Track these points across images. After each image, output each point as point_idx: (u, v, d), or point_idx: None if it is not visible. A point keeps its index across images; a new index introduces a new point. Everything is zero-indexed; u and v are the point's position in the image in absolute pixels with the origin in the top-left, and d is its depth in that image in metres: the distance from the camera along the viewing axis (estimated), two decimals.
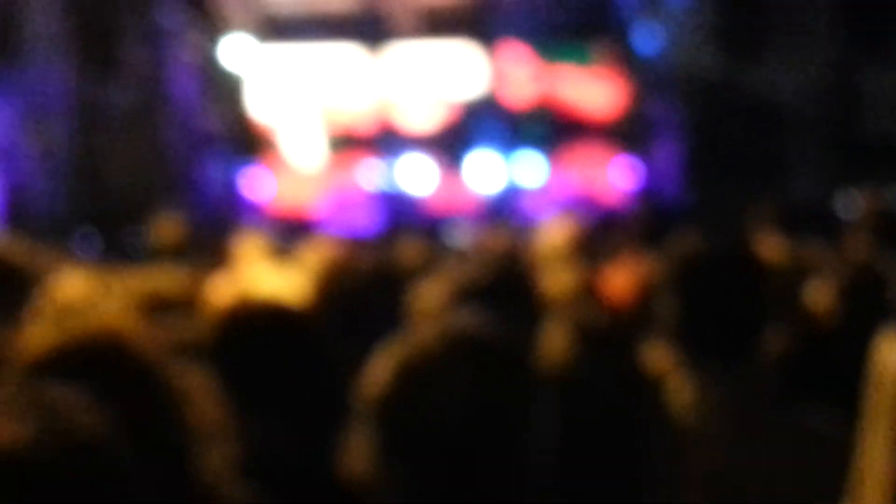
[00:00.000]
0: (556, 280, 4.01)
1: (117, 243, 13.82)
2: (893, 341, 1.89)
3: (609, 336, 2.03)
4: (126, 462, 1.32)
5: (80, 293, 4.32)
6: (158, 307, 2.96)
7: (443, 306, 2.65)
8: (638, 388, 1.93)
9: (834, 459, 2.31)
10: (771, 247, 5.00)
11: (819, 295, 3.85)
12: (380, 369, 1.64)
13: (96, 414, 1.32)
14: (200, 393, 1.83)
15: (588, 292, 4.19)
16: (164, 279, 4.01)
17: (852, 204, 8.93)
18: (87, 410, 1.31)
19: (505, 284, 3.17)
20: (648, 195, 18.10)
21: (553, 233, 4.76)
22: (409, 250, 5.51)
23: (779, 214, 4.88)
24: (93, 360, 1.79)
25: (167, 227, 5.63)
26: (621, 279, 4.35)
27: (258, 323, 2.55)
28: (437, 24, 24.50)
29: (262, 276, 5.79)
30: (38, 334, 1.87)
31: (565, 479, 1.78)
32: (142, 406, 1.72)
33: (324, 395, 2.51)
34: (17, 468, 1.22)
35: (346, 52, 24.42)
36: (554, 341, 1.93)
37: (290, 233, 8.77)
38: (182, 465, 1.72)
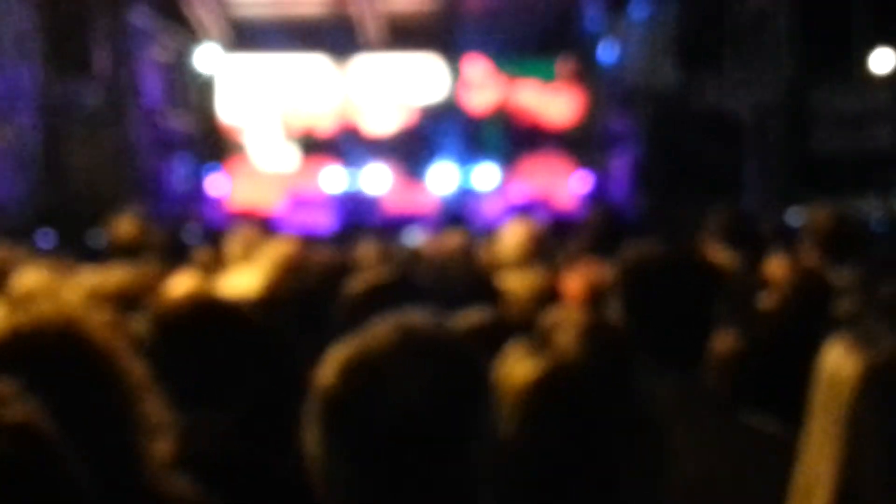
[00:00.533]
0: (515, 281, 3.99)
1: (78, 241, 13.69)
2: (839, 348, 1.87)
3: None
4: (58, 450, 1.29)
5: (37, 285, 4.27)
6: (110, 302, 2.92)
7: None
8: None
9: (780, 462, 2.30)
10: (719, 255, 5.01)
11: (766, 301, 3.85)
12: (328, 365, 1.61)
13: (27, 403, 1.30)
14: (146, 385, 1.80)
15: (547, 294, 4.17)
16: (116, 276, 3.97)
17: (802, 216, 8.98)
18: (17, 399, 1.29)
19: (460, 285, 3.15)
20: (602, 203, 18.13)
21: (511, 235, 4.74)
22: (364, 250, 5.47)
23: (729, 224, 4.88)
24: (46, 345, 1.76)
25: (124, 224, 5.56)
26: (574, 284, 4.33)
27: (200, 319, 2.51)
28: (404, 37, 24.58)
29: (228, 275, 5.76)
30: None
31: (535, 485, 1.74)
32: (92, 392, 1.69)
33: (272, 390, 2.47)
34: None
35: (313, 62, 24.49)
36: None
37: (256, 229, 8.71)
38: (127, 454, 1.68)
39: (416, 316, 1.66)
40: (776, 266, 4.39)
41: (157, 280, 4.89)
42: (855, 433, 1.77)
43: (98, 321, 1.86)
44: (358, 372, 1.56)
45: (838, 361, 1.83)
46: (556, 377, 1.74)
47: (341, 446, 1.55)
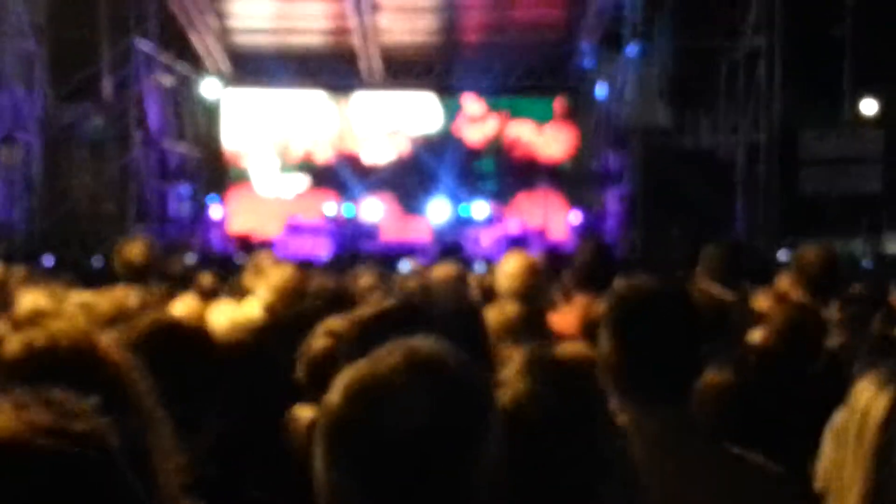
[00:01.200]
0: (504, 312, 3.99)
1: (79, 264, 13.67)
2: (869, 385, 1.97)
3: (566, 371, 1.99)
4: (124, 465, 1.32)
5: (39, 307, 4.27)
6: (114, 323, 2.93)
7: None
8: (594, 423, 1.90)
9: (767, 494, 2.31)
10: (709, 290, 5.03)
11: (757, 336, 3.87)
12: (335, 387, 1.61)
13: (98, 417, 1.33)
14: (158, 405, 1.80)
15: (537, 327, 4.17)
16: (122, 298, 3.97)
17: (792, 254, 9.02)
18: (89, 412, 1.32)
19: (451, 313, 3.15)
20: (593, 238, 18.12)
21: (507, 267, 4.74)
22: (361, 276, 5.49)
23: (720, 261, 4.89)
24: (61, 360, 1.76)
25: (133, 248, 5.55)
26: (565, 317, 4.34)
27: (163, 344, 2.53)
28: (401, 73, 24.73)
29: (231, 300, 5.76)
30: (6, 341, 1.85)
31: None
32: (107, 409, 1.69)
33: (244, 415, 2.48)
34: (21, 457, 1.23)
35: (312, 98, 24.70)
36: (509, 375, 1.89)
37: (249, 255, 8.74)
38: (142, 475, 1.69)
39: (422, 341, 1.67)
40: (766, 301, 4.41)
41: (162, 303, 4.90)
42: (884, 459, 1.93)
43: (109, 340, 1.87)
44: (364, 394, 1.56)
45: (868, 397, 1.99)
46: (508, 415, 1.75)
47: (346, 467, 1.55)
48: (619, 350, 2.49)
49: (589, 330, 3.82)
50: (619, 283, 2.68)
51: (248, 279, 5.75)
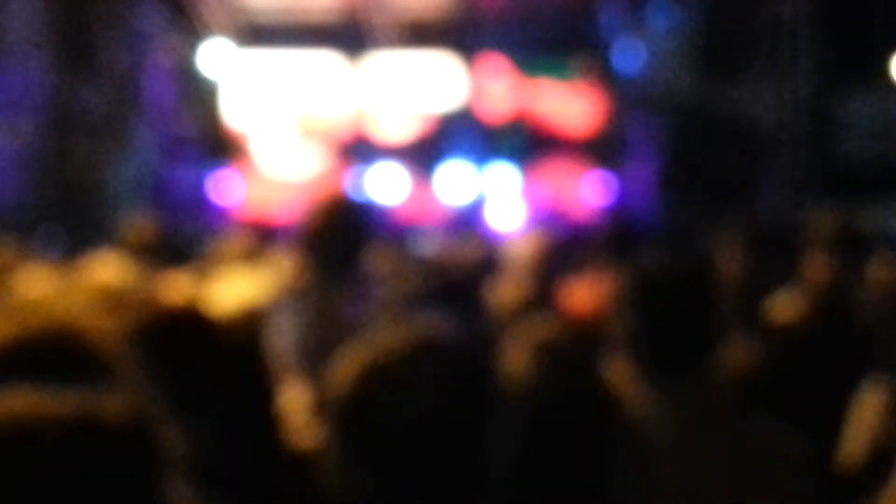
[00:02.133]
0: (517, 292, 4.02)
1: (82, 242, 13.73)
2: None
3: (571, 352, 2.03)
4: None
5: (41, 289, 4.31)
6: (116, 305, 2.96)
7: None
8: (600, 404, 1.94)
9: (790, 475, 2.33)
10: (734, 265, 5.04)
11: (785, 312, 3.87)
12: (343, 373, 1.65)
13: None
14: (147, 394, 1.83)
15: (547, 306, 4.19)
16: (123, 277, 4.00)
17: (820, 224, 8.98)
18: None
19: (466, 293, 3.19)
20: (619, 212, 18.13)
21: (521, 247, 4.77)
22: (377, 258, 5.50)
23: (746, 233, 4.90)
24: (47, 353, 1.79)
25: (139, 227, 5.60)
26: (585, 294, 4.36)
27: (182, 329, 2.56)
28: (418, 35, 24.51)
29: (232, 281, 5.78)
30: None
31: (528, 495, 1.79)
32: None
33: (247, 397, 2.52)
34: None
35: (324, 60, 24.40)
36: (515, 357, 1.93)
37: (259, 238, 8.75)
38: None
39: (431, 323, 1.71)
40: (788, 273, 4.41)
41: (163, 283, 4.93)
42: None
43: (97, 328, 1.89)
44: (375, 378, 1.62)
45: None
46: (517, 399, 1.79)
47: (357, 450, 1.59)
48: (642, 326, 2.55)
49: (606, 308, 3.84)
50: (641, 260, 2.72)
51: (229, 258, 5.76)
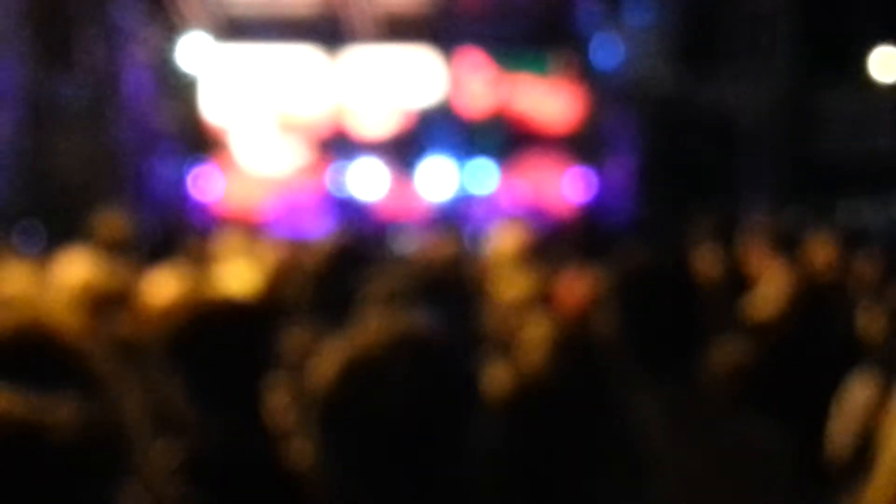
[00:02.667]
0: (507, 287, 4.01)
1: (61, 238, 13.65)
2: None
3: (587, 348, 2.04)
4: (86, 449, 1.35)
5: (19, 286, 4.28)
6: (96, 301, 2.94)
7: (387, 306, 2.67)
8: (609, 400, 1.96)
9: (774, 472, 2.32)
10: (710, 261, 5.05)
11: (767, 308, 3.87)
12: (324, 368, 1.66)
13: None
14: (128, 389, 1.82)
15: (541, 301, 4.19)
16: (102, 274, 3.98)
17: (800, 220, 9.05)
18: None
19: (448, 288, 3.19)
20: (598, 208, 18.16)
21: (503, 240, 4.76)
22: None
23: (721, 228, 4.92)
24: (21, 351, 1.78)
25: (110, 222, 5.57)
26: (566, 291, 4.35)
27: (212, 320, 2.52)
28: (396, 30, 24.54)
29: (222, 275, 5.76)
30: None
31: (526, 488, 1.80)
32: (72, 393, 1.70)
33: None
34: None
35: (303, 55, 24.41)
36: (525, 352, 1.94)
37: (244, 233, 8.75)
38: (113, 454, 1.70)
39: (409, 319, 1.71)
40: (766, 269, 4.42)
41: (142, 279, 4.91)
42: None
43: (71, 325, 1.88)
44: (356, 374, 1.63)
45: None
46: (529, 392, 1.81)
47: (339, 445, 1.60)
48: (626, 324, 2.54)
49: (589, 305, 3.83)
50: (620, 258, 2.72)
51: (221, 255, 5.76)
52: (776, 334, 3.02)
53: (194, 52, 24.11)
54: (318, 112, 24.42)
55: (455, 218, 20.22)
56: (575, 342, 1.97)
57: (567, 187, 22.89)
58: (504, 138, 24.55)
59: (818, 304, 3.94)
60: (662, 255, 2.76)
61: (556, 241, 5.57)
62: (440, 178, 23.16)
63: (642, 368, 2.41)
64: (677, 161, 19.03)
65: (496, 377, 1.86)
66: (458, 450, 1.64)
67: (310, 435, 1.66)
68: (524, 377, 1.85)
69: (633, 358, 2.41)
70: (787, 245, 4.59)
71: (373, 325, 1.73)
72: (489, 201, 22.14)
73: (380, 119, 24.12)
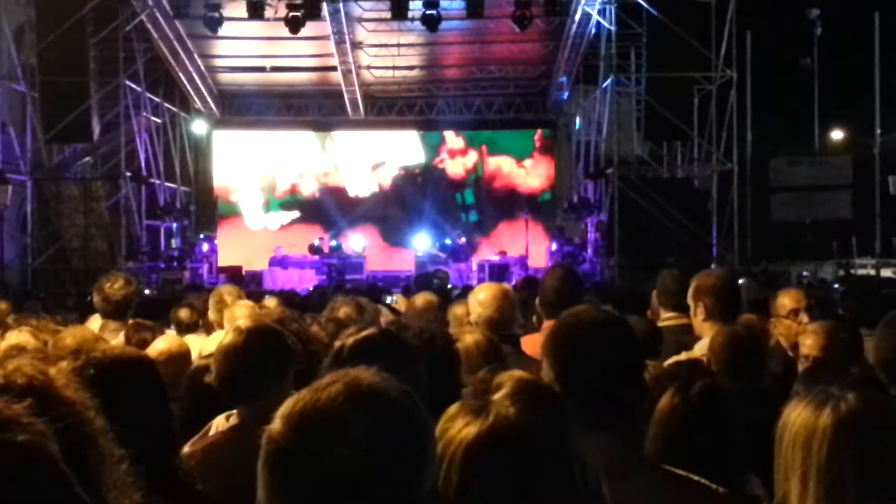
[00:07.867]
0: (477, 338, 4.00)
1: (68, 302, 13.57)
2: (804, 408, 2.01)
3: (551, 396, 1.96)
4: (64, 472, 1.36)
5: (22, 343, 4.30)
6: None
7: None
8: (574, 447, 1.86)
9: None
10: (660, 316, 5.09)
11: (703, 360, 3.89)
12: (277, 417, 1.59)
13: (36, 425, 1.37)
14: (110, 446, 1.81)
15: (508, 352, 4.18)
16: (86, 333, 3.99)
17: (748, 284, 9.14)
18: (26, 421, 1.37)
19: (425, 342, 3.16)
20: (562, 265, 18.18)
21: (480, 295, 4.76)
22: (341, 306, 5.49)
23: (673, 287, 4.93)
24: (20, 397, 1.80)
25: (116, 284, 5.56)
26: (536, 342, 4.35)
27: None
28: (385, 113, 24.92)
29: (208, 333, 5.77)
30: None
31: None
32: (64, 434, 1.72)
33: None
34: None
35: (298, 135, 24.92)
36: (495, 400, 1.85)
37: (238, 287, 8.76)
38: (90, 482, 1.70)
39: (364, 371, 1.65)
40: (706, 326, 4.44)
41: (142, 339, 4.92)
42: (834, 472, 1.97)
43: (64, 377, 1.89)
44: (306, 424, 1.54)
45: (808, 418, 2.02)
46: (493, 438, 1.73)
47: (287, 495, 1.54)
48: (559, 378, 2.44)
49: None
50: (568, 312, 2.63)
51: (211, 314, 5.77)
52: (705, 385, 3.00)
53: (198, 126, 24.42)
54: (311, 176, 24.94)
55: (437, 271, 20.23)
56: (540, 389, 1.89)
57: (543, 248, 23.02)
58: (483, 201, 24.97)
59: (745, 357, 3.97)
60: (597, 311, 2.67)
61: (531, 294, 5.58)
62: (423, 236, 23.44)
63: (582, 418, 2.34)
64: (645, 223, 19.09)
65: (455, 427, 1.79)
66: (410, 500, 1.58)
67: (259, 482, 1.60)
68: (491, 426, 1.77)
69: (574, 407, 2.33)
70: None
71: (330, 376, 1.67)
72: (469, 259, 22.50)
73: (367, 181, 24.58)
